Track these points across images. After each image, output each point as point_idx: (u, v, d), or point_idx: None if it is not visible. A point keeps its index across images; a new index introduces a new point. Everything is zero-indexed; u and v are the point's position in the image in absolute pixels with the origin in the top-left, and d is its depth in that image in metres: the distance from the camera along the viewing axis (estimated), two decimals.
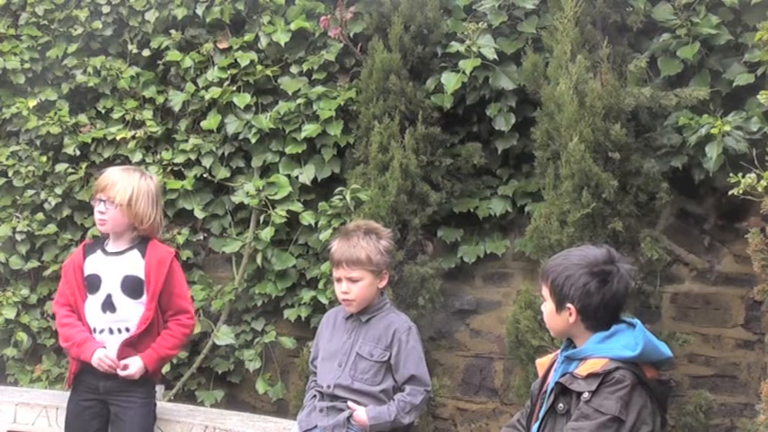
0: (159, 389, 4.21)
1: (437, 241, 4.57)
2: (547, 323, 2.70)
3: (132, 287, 3.60)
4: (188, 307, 3.74)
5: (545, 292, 2.66)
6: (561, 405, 2.56)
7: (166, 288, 3.64)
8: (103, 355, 3.54)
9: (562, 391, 2.57)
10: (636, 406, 2.48)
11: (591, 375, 2.50)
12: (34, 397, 4.21)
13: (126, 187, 3.60)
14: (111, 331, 3.59)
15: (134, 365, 3.57)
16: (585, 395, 2.49)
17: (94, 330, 3.61)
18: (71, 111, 5.30)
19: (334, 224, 4.51)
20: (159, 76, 5.23)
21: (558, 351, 2.71)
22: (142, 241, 3.66)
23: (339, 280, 3.31)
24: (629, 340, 2.54)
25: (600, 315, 2.57)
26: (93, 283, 3.63)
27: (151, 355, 3.61)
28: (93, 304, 3.62)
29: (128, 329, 3.59)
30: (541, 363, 2.78)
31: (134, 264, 3.63)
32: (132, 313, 3.60)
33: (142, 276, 3.60)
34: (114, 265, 3.63)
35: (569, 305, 2.58)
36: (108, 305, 3.59)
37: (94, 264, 3.66)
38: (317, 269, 4.69)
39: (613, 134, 3.82)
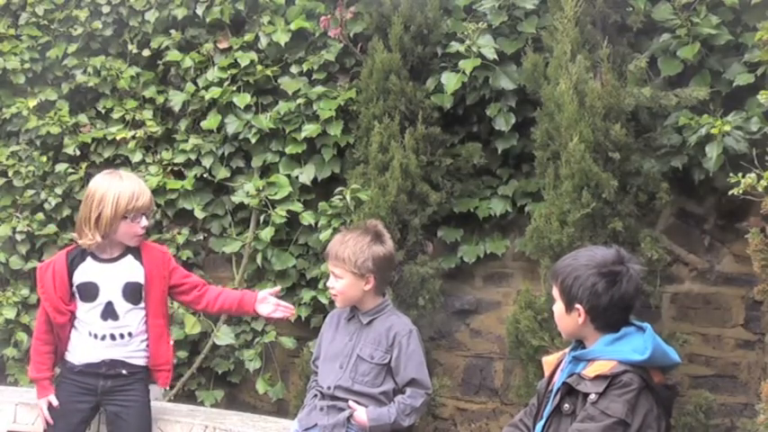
0: (160, 389, 4.21)
1: (437, 241, 4.56)
2: (558, 324, 2.71)
3: (133, 293, 3.60)
4: (200, 279, 3.85)
5: (555, 292, 2.67)
6: (567, 405, 2.57)
7: (176, 285, 3.70)
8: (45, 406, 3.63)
9: (568, 391, 2.57)
10: (642, 410, 2.48)
11: (598, 377, 2.51)
12: (34, 397, 4.20)
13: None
14: (113, 337, 3.59)
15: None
16: (592, 397, 2.49)
17: (95, 336, 3.59)
18: (71, 111, 5.29)
19: (335, 224, 4.52)
20: (159, 76, 5.23)
21: (566, 350, 2.71)
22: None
23: (330, 272, 3.33)
24: (638, 344, 2.54)
25: (609, 316, 2.57)
26: (88, 292, 3.59)
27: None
28: (90, 312, 3.59)
29: (130, 334, 3.60)
30: (548, 361, 2.78)
31: (132, 270, 3.61)
32: (133, 319, 3.61)
33: (142, 282, 3.60)
34: (112, 273, 3.60)
35: (578, 306, 2.58)
36: (109, 313, 3.58)
37: (88, 272, 3.60)
38: (317, 269, 4.69)
39: (613, 134, 3.82)
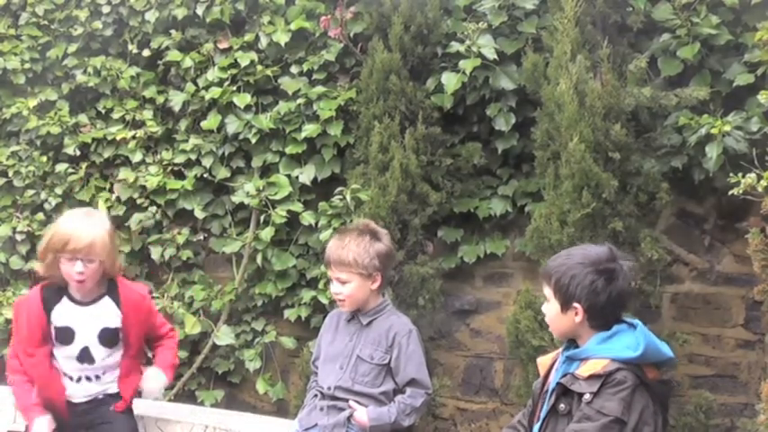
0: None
1: (437, 241, 4.56)
2: (550, 324, 2.69)
3: (109, 339, 3.54)
4: (168, 331, 3.76)
5: (547, 292, 2.65)
6: (563, 406, 2.56)
7: (148, 331, 3.66)
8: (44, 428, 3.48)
9: (563, 391, 2.57)
10: (638, 407, 2.48)
11: (592, 377, 2.50)
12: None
13: (102, 240, 3.41)
14: (88, 378, 3.56)
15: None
16: (587, 396, 2.49)
17: (71, 378, 3.55)
18: (71, 111, 5.30)
19: (335, 224, 4.52)
20: (159, 76, 5.24)
21: (560, 350, 2.71)
22: (110, 283, 3.55)
23: (332, 279, 3.32)
24: (630, 341, 2.53)
25: (607, 313, 2.57)
26: (64, 336, 3.50)
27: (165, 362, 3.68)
28: (66, 355, 3.53)
29: (105, 374, 3.57)
30: (542, 362, 2.78)
31: (109, 314, 3.53)
32: (109, 361, 3.57)
33: (119, 326, 3.53)
34: (89, 317, 3.51)
35: (576, 305, 2.57)
36: (86, 357, 3.52)
37: (64, 315, 3.50)
38: (317, 269, 4.69)
39: (613, 134, 3.82)
